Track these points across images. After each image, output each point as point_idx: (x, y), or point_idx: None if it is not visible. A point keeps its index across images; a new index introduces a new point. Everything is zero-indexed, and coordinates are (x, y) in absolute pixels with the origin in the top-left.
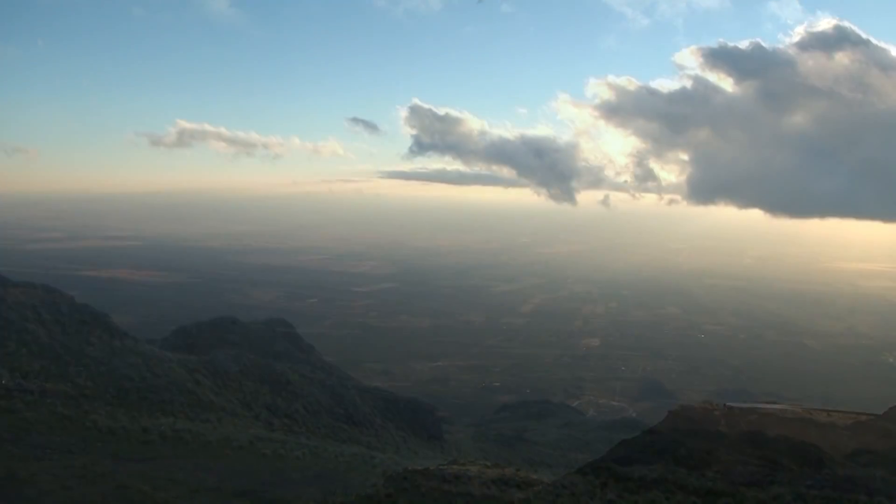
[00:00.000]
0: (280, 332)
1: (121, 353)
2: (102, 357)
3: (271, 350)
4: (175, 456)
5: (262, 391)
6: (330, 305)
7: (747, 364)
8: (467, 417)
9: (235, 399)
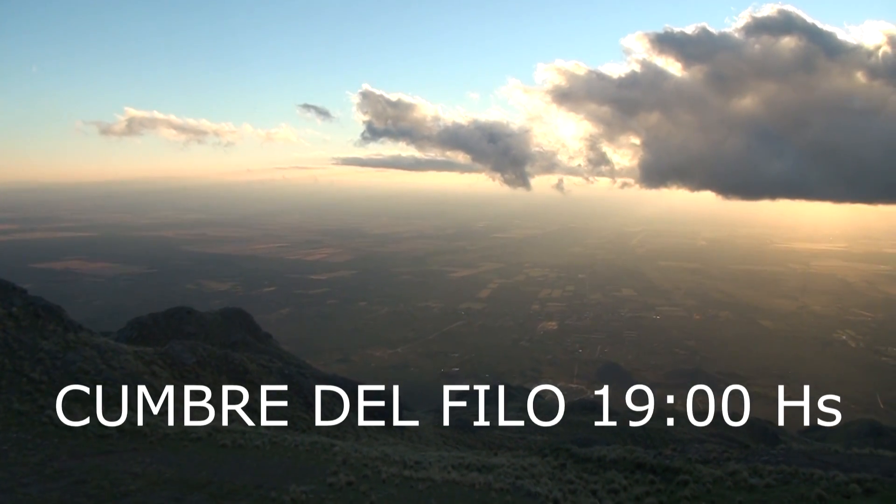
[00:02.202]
0: (237, 322)
1: (76, 346)
2: (57, 350)
3: (228, 340)
4: (133, 449)
5: (219, 381)
6: (287, 294)
7: (703, 344)
8: (427, 404)
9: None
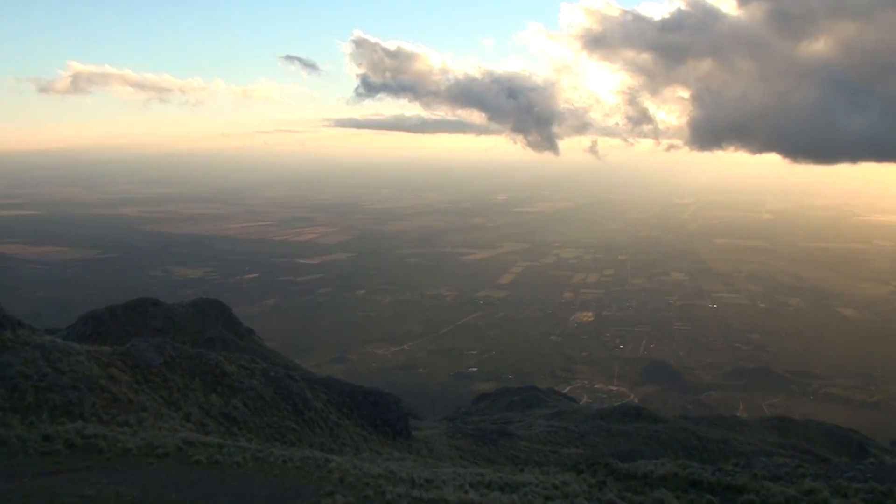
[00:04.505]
0: (212, 315)
1: (13, 345)
2: None
3: (202, 337)
4: (86, 468)
5: (192, 386)
6: (272, 281)
7: (769, 338)
8: (439, 410)
9: (160, 397)
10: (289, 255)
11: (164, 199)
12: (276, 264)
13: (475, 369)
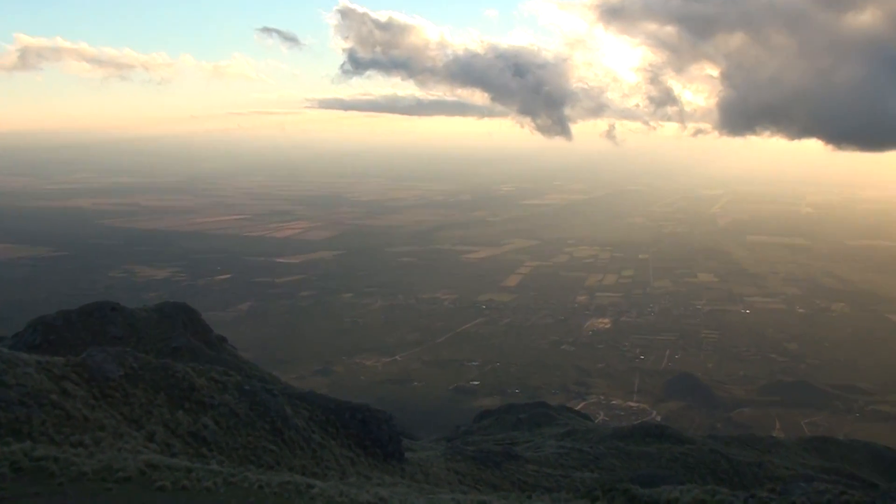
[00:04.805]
0: (180, 322)
1: None
2: None
3: (168, 346)
4: (35, 494)
5: (156, 402)
6: (247, 283)
7: (809, 348)
8: (436, 429)
9: (119, 414)
10: (266, 254)
11: (125, 189)
12: (251, 264)
13: (477, 383)
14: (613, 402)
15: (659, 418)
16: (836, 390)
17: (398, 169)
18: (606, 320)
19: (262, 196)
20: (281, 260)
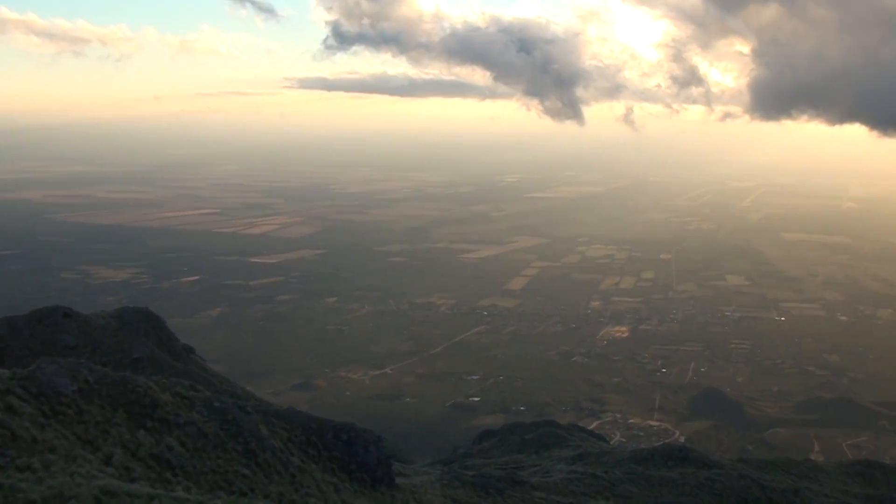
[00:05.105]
0: (141, 329)
1: None
2: None
3: (128, 357)
4: None
5: (114, 420)
6: (218, 286)
7: (852, 360)
8: (431, 451)
9: (73, 434)
10: (240, 253)
11: (80, 179)
12: (223, 264)
13: (477, 399)
14: (631, 420)
15: (682, 439)
16: (883, 408)
17: (389, 157)
18: (623, 329)
19: (235, 188)
20: (256, 260)
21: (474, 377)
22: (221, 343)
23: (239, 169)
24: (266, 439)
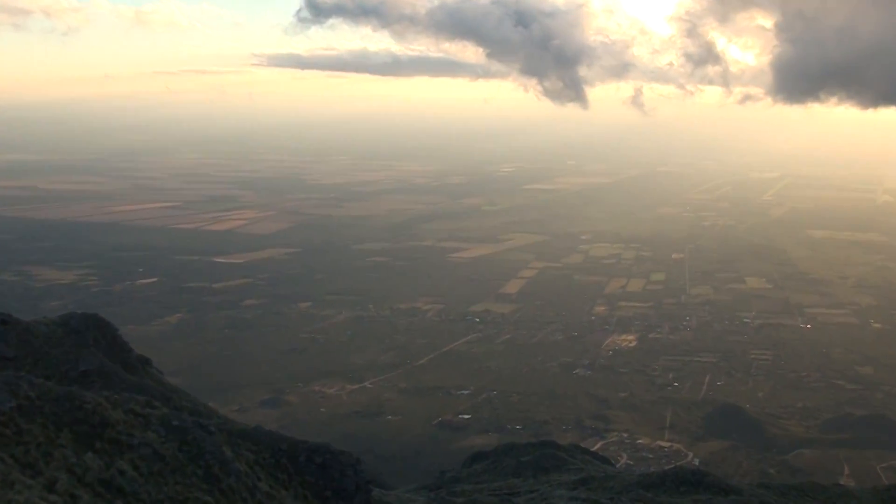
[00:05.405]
0: (90, 338)
1: None
2: None
3: (75, 369)
4: None
5: (59, 441)
6: (177, 289)
7: (887, 373)
8: (416, 475)
9: (11, 456)
10: (201, 252)
11: (19, 168)
12: (182, 264)
13: (468, 417)
14: (639, 441)
15: (696, 462)
16: None
17: (369, 144)
18: (631, 337)
19: (197, 178)
20: (220, 259)
21: (464, 392)
22: (181, 353)
23: (202, 157)
24: (230, 462)
